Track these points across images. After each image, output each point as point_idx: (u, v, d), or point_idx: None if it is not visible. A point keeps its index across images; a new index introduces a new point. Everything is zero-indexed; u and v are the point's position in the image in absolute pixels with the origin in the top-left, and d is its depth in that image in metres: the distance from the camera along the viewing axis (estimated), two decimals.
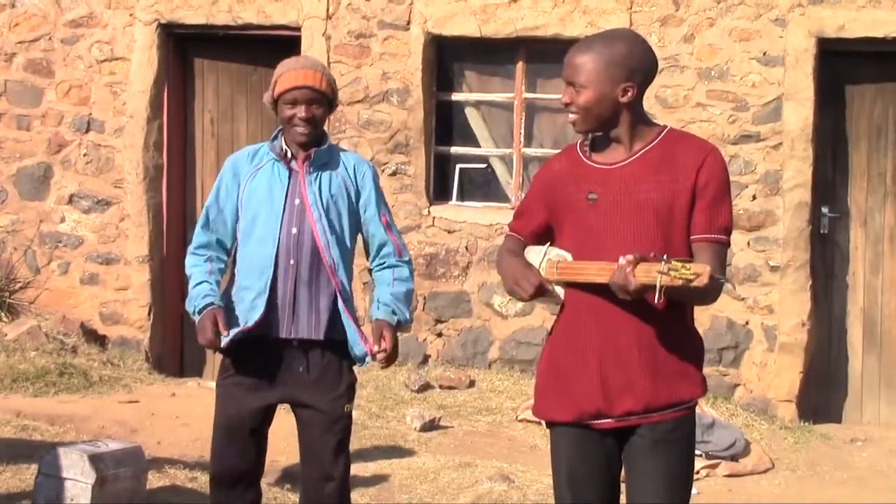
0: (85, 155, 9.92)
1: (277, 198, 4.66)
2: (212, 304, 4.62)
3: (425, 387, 8.96)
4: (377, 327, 4.69)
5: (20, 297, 9.79)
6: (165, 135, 9.94)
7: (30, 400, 8.08)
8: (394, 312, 4.72)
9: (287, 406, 4.79)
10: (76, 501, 5.62)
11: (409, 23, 9.49)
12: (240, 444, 4.73)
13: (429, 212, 9.52)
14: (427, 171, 9.59)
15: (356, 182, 4.75)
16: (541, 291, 3.79)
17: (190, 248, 4.83)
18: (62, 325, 9.53)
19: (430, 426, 8.15)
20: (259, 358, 4.69)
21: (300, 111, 4.62)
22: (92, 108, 9.91)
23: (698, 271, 3.43)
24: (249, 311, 4.64)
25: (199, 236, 4.81)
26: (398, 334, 4.74)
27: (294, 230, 4.63)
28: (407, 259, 4.85)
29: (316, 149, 4.68)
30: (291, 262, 4.63)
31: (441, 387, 9.02)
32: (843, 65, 9.23)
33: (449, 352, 9.52)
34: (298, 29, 9.57)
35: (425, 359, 9.54)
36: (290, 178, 4.68)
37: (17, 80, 9.99)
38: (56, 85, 9.95)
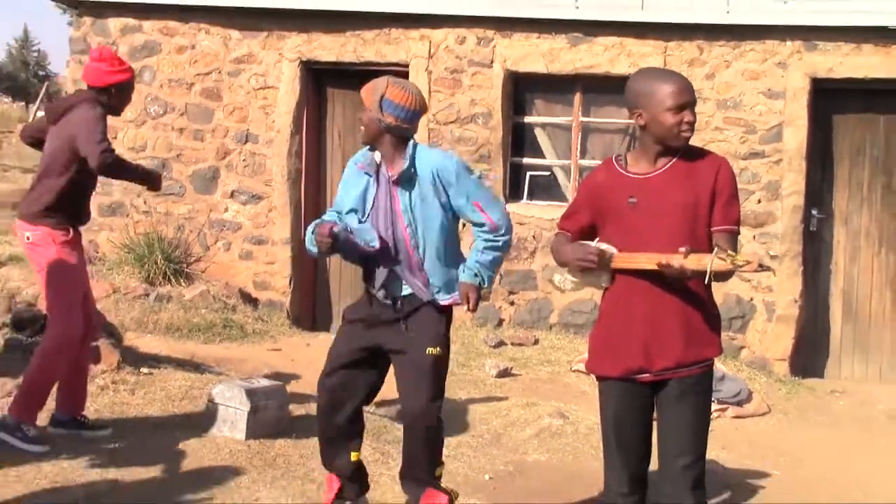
0: (244, 160, 10.02)
1: (368, 200, 4.46)
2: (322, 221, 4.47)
3: (500, 343, 8.95)
4: (462, 288, 4.46)
5: (194, 267, 9.91)
6: (304, 146, 10.01)
7: (200, 345, 8.19)
8: (476, 275, 4.46)
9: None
10: (236, 425, 5.72)
11: (492, 62, 9.46)
12: (340, 376, 4.55)
13: (505, 208, 9.48)
14: (504, 176, 9.56)
15: (441, 182, 4.41)
16: (602, 257, 3.70)
17: None
18: (225, 290, 9.63)
19: (504, 374, 8.15)
20: (365, 315, 4.56)
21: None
22: (249, 125, 10.00)
23: (749, 259, 3.46)
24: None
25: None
26: (483, 291, 4.52)
27: (389, 230, 4.42)
28: (503, 232, 4.50)
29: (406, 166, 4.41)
30: (392, 251, 4.45)
31: (512, 344, 9.00)
32: (831, 99, 9.07)
33: (519, 317, 9.50)
34: (407, 66, 9.57)
35: (500, 322, 9.53)
36: (378, 183, 4.44)
37: (195, 104, 10.11)
38: (223, 107, 10.05)
